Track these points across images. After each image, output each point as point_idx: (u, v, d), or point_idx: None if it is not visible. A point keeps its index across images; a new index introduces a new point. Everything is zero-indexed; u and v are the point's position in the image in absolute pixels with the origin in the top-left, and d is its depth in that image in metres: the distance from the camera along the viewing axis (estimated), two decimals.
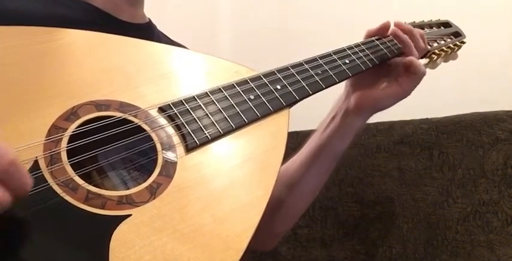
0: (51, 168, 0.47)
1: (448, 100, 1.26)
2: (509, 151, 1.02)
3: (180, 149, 0.56)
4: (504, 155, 1.02)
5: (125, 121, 0.54)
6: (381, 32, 0.81)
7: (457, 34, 0.93)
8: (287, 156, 0.66)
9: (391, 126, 1.13)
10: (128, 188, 0.51)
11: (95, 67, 0.57)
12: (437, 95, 1.26)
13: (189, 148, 0.56)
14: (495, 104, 1.10)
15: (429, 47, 0.85)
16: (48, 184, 0.46)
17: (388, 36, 0.82)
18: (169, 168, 0.54)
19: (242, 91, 0.64)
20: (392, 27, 0.81)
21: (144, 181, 0.52)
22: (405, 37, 0.78)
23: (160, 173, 0.53)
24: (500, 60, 1.25)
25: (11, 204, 0.38)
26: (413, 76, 0.76)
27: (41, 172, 0.46)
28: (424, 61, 0.88)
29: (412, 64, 0.75)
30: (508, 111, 1.05)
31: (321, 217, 1.14)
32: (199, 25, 1.63)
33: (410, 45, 0.77)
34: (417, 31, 0.80)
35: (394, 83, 0.77)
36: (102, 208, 0.48)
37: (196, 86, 0.62)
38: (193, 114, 0.58)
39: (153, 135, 0.55)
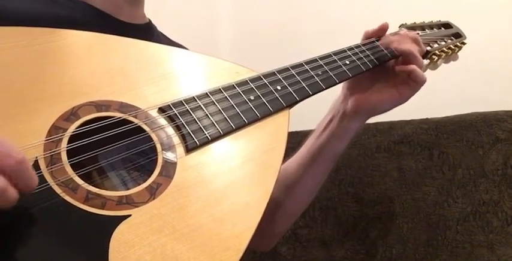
0: (51, 168, 0.47)
1: (448, 100, 1.26)
2: (509, 151, 1.02)
3: (180, 149, 0.56)
4: (504, 155, 1.02)
5: (125, 122, 0.54)
6: (379, 33, 0.81)
7: (458, 35, 0.93)
8: (286, 156, 0.66)
9: (391, 126, 1.13)
10: (128, 189, 0.51)
11: (94, 68, 0.57)
12: (437, 95, 1.26)
13: (189, 149, 0.56)
14: (495, 104, 1.10)
15: (428, 48, 0.85)
16: (48, 184, 0.46)
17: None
18: (169, 168, 0.54)
19: (242, 91, 0.64)
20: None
21: (144, 181, 0.52)
22: (406, 47, 0.77)
23: (160, 174, 0.53)
24: (500, 60, 1.25)
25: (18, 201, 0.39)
26: (414, 84, 0.75)
27: (41, 172, 0.47)
28: (424, 62, 0.88)
29: (414, 72, 0.74)
30: (508, 111, 1.05)
31: (321, 217, 1.14)
32: (199, 25, 1.63)
33: (412, 54, 0.76)
34: (412, 36, 0.80)
35: (392, 89, 0.77)
36: (102, 208, 0.48)
37: (196, 87, 0.62)
38: (193, 115, 0.58)
39: (153, 135, 0.55)
